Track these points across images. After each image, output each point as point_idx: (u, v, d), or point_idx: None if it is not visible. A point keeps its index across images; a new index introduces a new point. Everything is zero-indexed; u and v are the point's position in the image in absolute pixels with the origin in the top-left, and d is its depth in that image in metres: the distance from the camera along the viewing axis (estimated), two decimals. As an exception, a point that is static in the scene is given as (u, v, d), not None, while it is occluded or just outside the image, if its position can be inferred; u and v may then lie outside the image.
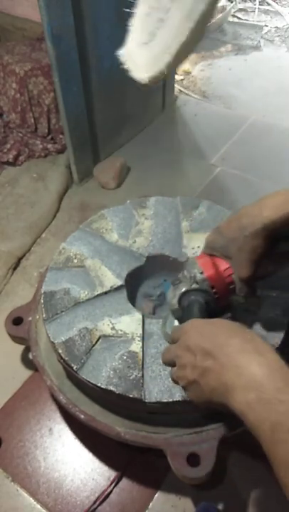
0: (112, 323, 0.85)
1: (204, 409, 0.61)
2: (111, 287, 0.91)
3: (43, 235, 1.52)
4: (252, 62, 2.51)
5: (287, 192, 0.64)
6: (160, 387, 0.76)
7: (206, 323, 0.63)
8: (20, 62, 1.70)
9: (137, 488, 0.92)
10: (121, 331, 0.84)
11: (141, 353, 0.80)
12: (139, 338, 0.82)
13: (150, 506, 0.90)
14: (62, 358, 0.82)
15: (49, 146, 1.81)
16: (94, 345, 0.82)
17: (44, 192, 1.64)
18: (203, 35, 0.59)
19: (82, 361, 0.80)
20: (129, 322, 0.85)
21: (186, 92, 2.23)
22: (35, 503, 0.92)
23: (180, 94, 2.21)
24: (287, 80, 2.32)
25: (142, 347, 0.81)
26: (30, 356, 0.97)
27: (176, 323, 0.80)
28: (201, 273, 0.72)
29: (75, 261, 0.97)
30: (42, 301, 0.90)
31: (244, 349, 0.54)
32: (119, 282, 0.92)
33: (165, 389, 0.76)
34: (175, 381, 0.65)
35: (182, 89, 2.25)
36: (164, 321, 0.85)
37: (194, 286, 0.73)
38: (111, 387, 0.77)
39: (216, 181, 1.70)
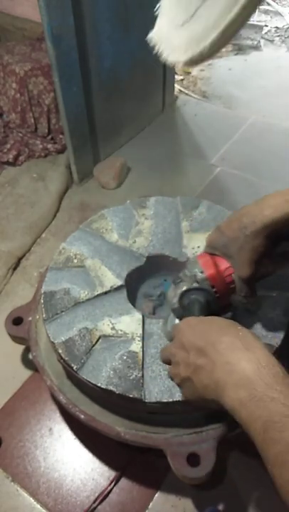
0: (112, 323, 0.85)
1: (199, 407, 0.62)
2: (111, 287, 0.91)
3: (43, 235, 1.52)
4: (252, 62, 2.51)
5: (288, 191, 0.64)
6: (160, 387, 0.76)
7: (199, 320, 0.64)
8: (20, 62, 1.70)
9: (137, 488, 0.92)
10: (121, 331, 0.84)
11: (141, 353, 0.80)
12: (139, 338, 0.82)
13: (150, 506, 0.90)
14: (62, 358, 0.82)
15: (49, 146, 1.81)
16: (94, 345, 0.82)
17: (44, 192, 1.64)
18: (254, 11, 0.54)
19: (82, 361, 0.80)
20: (129, 322, 0.85)
21: (186, 92, 2.23)
22: (35, 503, 0.92)
23: (180, 94, 2.21)
24: (287, 80, 2.32)
25: (142, 347, 0.81)
26: (30, 356, 0.97)
27: (177, 321, 0.80)
28: (202, 272, 0.73)
29: (75, 261, 0.97)
30: (42, 301, 0.90)
31: (234, 346, 0.54)
32: (119, 282, 0.92)
33: (165, 389, 0.76)
34: (171, 378, 0.65)
35: (182, 89, 2.25)
36: (165, 321, 0.85)
37: (195, 285, 0.73)
38: (111, 387, 0.77)
39: (216, 181, 1.70)
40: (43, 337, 0.95)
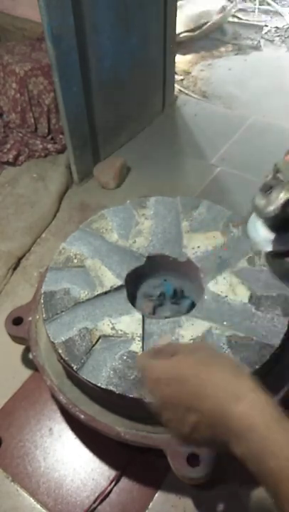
0: (112, 323, 0.85)
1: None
2: (111, 287, 0.91)
3: (43, 235, 1.52)
4: (252, 62, 2.50)
5: None
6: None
7: (172, 368, 0.54)
8: (20, 62, 1.70)
9: (137, 488, 0.92)
10: (121, 331, 0.84)
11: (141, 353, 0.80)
12: (139, 338, 0.82)
13: (150, 506, 0.90)
14: (62, 358, 0.82)
15: (49, 146, 1.81)
16: (94, 345, 0.82)
17: (44, 192, 1.64)
18: None
19: (82, 361, 0.80)
20: (129, 322, 0.85)
21: (186, 92, 2.23)
22: (35, 503, 0.92)
23: (180, 94, 2.21)
24: (287, 80, 2.32)
25: (142, 347, 0.81)
26: (30, 356, 0.97)
27: (263, 228, 0.75)
28: None
29: (75, 261, 0.97)
30: (42, 301, 0.90)
31: (221, 401, 0.48)
32: (119, 282, 0.92)
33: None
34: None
35: (182, 89, 2.25)
36: (244, 228, 0.79)
37: None
38: (111, 387, 0.77)
39: (216, 181, 1.70)
40: (43, 337, 0.95)
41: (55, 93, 1.50)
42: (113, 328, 0.84)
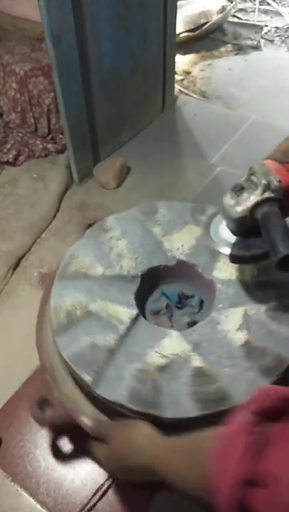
0: (158, 352, 0.79)
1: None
2: (130, 320, 0.81)
3: (43, 235, 1.52)
4: (252, 62, 2.51)
5: None
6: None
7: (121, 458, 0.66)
8: (20, 62, 1.70)
9: (138, 488, 0.92)
10: (171, 354, 0.79)
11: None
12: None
13: (150, 506, 0.90)
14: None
15: (49, 146, 1.81)
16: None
17: (44, 192, 1.64)
18: None
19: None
20: (171, 343, 0.80)
21: (186, 92, 2.23)
22: (35, 503, 0.92)
23: (180, 94, 2.21)
24: (287, 80, 2.32)
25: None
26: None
27: (226, 229, 0.74)
28: (279, 181, 0.66)
29: (78, 313, 0.85)
30: (73, 365, 0.77)
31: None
32: (135, 311, 0.82)
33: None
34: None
35: (182, 89, 2.25)
36: (208, 227, 0.79)
37: (268, 194, 0.66)
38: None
39: (216, 181, 1.70)
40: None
41: (55, 93, 1.50)
42: (163, 356, 0.77)
